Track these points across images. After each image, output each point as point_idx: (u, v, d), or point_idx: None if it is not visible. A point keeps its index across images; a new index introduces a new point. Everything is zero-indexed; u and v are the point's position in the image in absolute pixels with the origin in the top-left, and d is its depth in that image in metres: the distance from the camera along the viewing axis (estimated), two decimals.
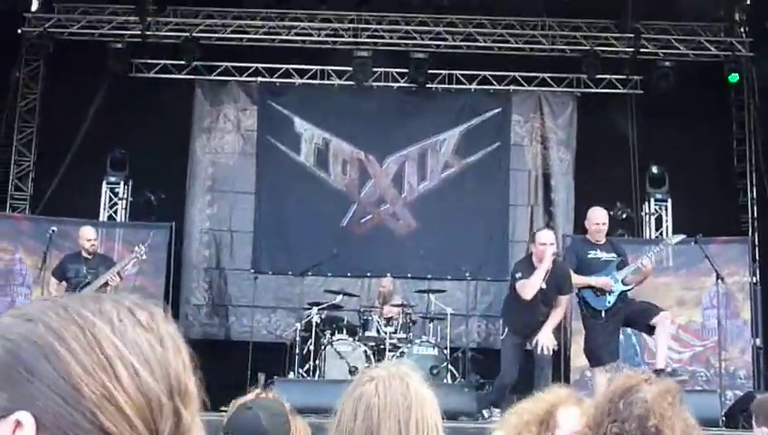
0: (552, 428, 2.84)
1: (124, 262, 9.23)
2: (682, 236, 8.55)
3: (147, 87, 12.31)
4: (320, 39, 12.63)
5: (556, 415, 2.85)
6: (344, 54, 12.46)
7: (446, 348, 9.90)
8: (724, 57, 12.31)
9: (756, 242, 12.03)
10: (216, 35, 12.50)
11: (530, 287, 7.80)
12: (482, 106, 12.67)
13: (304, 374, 9.78)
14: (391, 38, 12.58)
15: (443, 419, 2.05)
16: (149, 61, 12.53)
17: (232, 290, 12.31)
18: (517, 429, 2.80)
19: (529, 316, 8.00)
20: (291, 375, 9.82)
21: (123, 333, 0.88)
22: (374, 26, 12.59)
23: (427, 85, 12.55)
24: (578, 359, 9.88)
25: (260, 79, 12.62)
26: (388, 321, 10.05)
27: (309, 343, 9.93)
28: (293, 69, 12.63)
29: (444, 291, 10.86)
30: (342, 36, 12.62)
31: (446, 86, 12.72)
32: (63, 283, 9.01)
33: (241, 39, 12.56)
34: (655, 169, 12.12)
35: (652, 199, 12.26)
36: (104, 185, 12.21)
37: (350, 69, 12.40)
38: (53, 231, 9.21)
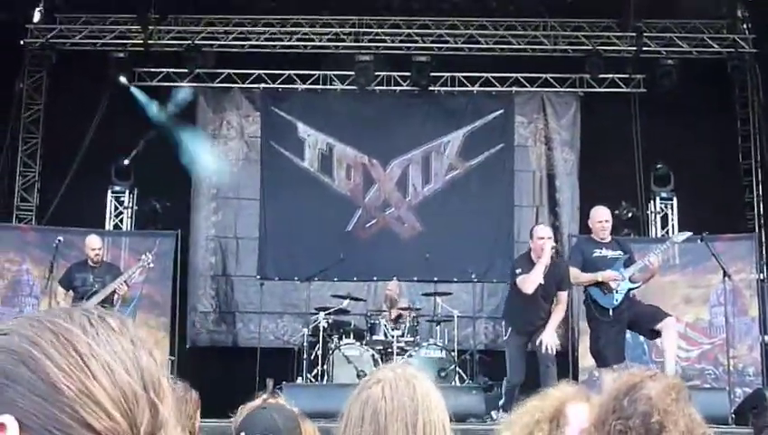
0: (563, 425, 2.83)
1: (131, 270, 9.25)
2: (688, 234, 8.54)
3: (149, 96, 12.34)
4: (321, 44, 12.65)
5: (565, 412, 2.85)
6: (346, 59, 12.47)
7: (453, 350, 9.90)
8: (726, 54, 12.30)
9: (763, 239, 12.02)
10: (218, 43, 12.53)
11: (530, 282, 7.87)
12: (485, 108, 12.67)
13: (312, 379, 9.78)
14: (393, 42, 12.60)
15: (451, 420, 2.04)
16: (152, 69, 12.56)
17: (239, 296, 12.32)
18: (528, 428, 2.79)
19: (531, 313, 8.03)
20: (299, 380, 9.82)
21: (95, 336, 0.91)
22: (375, 30, 12.61)
23: (430, 88, 12.56)
24: (585, 359, 9.87)
25: (262, 85, 12.65)
26: (396, 324, 10.05)
27: (317, 348, 9.93)
28: (296, 75, 12.66)
29: (450, 293, 10.86)
30: (344, 41, 12.64)
31: (449, 89, 12.73)
32: (71, 292, 9.03)
33: (243, 46, 12.58)
34: (659, 168, 12.11)
35: (657, 198, 12.24)
36: (109, 194, 12.23)
37: (353, 73, 12.41)
38: (60, 241, 9.24)
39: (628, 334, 8.71)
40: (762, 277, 11.17)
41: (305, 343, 10.09)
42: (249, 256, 12.43)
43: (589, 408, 2.72)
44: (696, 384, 10.27)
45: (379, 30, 12.61)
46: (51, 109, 12.55)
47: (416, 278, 11.83)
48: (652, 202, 12.29)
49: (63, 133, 12.27)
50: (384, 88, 12.72)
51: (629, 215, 11.94)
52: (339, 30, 12.61)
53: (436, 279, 11.03)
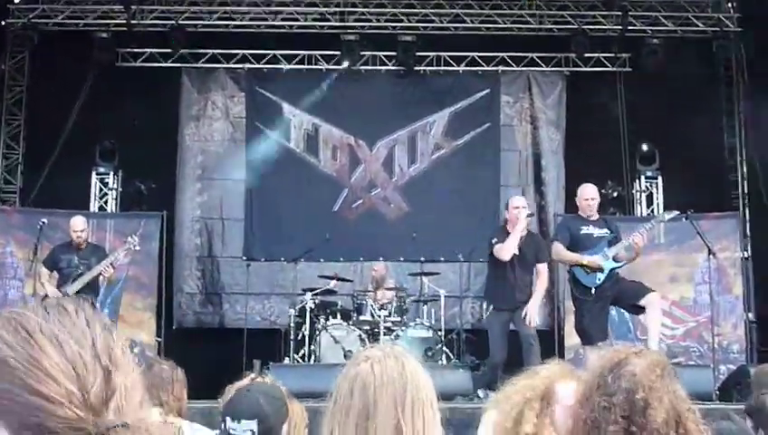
0: (553, 403, 2.85)
1: (117, 253, 9.19)
2: (675, 213, 8.54)
3: (134, 76, 12.25)
4: (306, 23, 12.58)
5: (555, 390, 2.87)
6: (331, 39, 12.41)
7: (440, 330, 9.93)
8: (712, 33, 12.30)
9: (747, 217, 12.08)
10: (202, 22, 12.44)
11: (506, 250, 8.00)
12: (471, 87, 12.66)
13: (300, 360, 9.80)
14: (378, 21, 12.54)
15: (438, 399, 2.05)
16: (136, 50, 12.47)
17: (225, 278, 12.31)
18: (518, 406, 2.80)
19: (510, 288, 8.11)
20: (286, 361, 9.83)
21: (46, 316, 1.00)
22: (361, 10, 12.54)
23: (416, 68, 12.53)
24: (571, 338, 9.91)
25: (247, 65, 12.58)
26: (382, 304, 10.07)
27: (303, 329, 9.94)
28: (281, 54, 12.59)
29: (437, 273, 10.88)
30: (329, 20, 12.57)
31: (435, 68, 12.71)
32: (55, 273, 8.98)
33: (227, 25, 12.50)
34: (645, 147, 12.14)
35: (643, 177, 12.29)
36: (94, 176, 12.17)
37: (338, 53, 12.36)
38: (44, 223, 9.16)
39: (614, 312, 8.75)
40: (746, 256, 11.24)
41: (292, 324, 10.09)
42: (235, 236, 12.41)
43: (577, 386, 2.73)
44: (681, 362, 10.35)
45: (365, 9, 12.54)
46: (34, 90, 12.44)
47: (402, 258, 11.85)
48: (637, 181, 12.33)
49: (47, 114, 12.17)
50: (370, 68, 12.67)
51: (615, 194, 11.98)
52: (324, 9, 12.54)
53: (422, 259, 11.04)
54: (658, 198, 12.17)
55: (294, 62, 12.64)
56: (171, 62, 12.44)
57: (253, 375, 3.23)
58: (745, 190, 12.44)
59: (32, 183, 12.10)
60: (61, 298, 1.06)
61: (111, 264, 8.92)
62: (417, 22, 12.52)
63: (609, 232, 8.09)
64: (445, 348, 9.78)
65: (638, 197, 12.35)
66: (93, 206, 12.07)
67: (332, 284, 10.53)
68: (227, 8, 12.46)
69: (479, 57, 12.61)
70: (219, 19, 12.46)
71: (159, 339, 10.94)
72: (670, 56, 11.89)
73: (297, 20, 12.56)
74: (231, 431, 2.73)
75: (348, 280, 10.97)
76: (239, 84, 12.68)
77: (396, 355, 2.03)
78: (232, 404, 2.83)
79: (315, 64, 12.70)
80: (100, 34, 12.04)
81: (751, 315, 11.08)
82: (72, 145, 11.79)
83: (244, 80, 12.65)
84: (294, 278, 11.25)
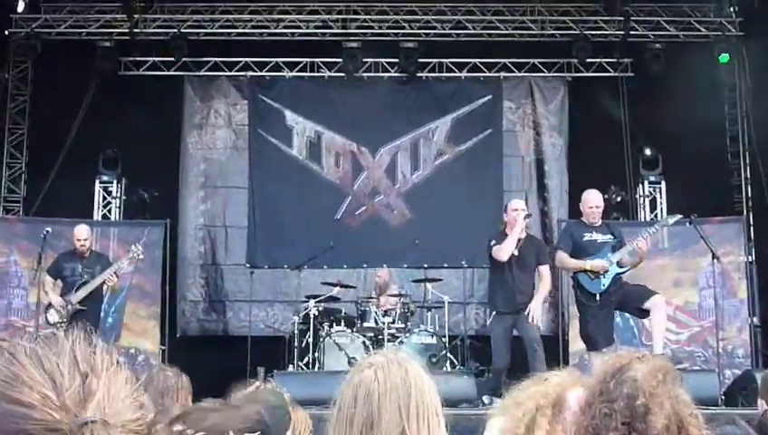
0: (565, 410, 2.83)
1: (120, 262, 9.22)
2: (678, 217, 8.52)
3: (136, 85, 12.28)
4: (308, 31, 12.60)
5: (567, 397, 2.85)
6: (334, 46, 12.43)
7: (444, 336, 9.91)
8: (714, 37, 12.31)
9: (751, 221, 12.06)
10: (204, 31, 12.47)
11: (504, 250, 8.03)
12: (473, 93, 12.66)
13: (303, 367, 9.78)
14: (380, 28, 12.55)
15: (443, 406, 2.04)
16: (138, 59, 12.49)
17: (228, 285, 12.31)
18: (531, 413, 2.77)
19: (512, 290, 8.09)
20: (290, 368, 9.82)
21: (31, 341, 1.10)
22: (363, 17, 12.56)
23: (418, 74, 12.53)
24: (575, 343, 9.89)
25: (249, 73, 12.59)
26: (386, 311, 10.06)
27: (307, 336, 9.93)
28: (283, 62, 12.60)
29: (440, 280, 10.86)
30: (331, 28, 12.59)
31: (437, 75, 12.71)
32: (59, 281, 8.99)
33: (229, 34, 12.52)
34: (648, 152, 12.12)
35: (646, 182, 12.27)
36: (97, 184, 12.18)
37: (340, 60, 12.37)
38: (48, 232, 9.17)
39: (619, 317, 8.73)
40: (750, 260, 11.22)
41: (296, 331, 10.09)
42: (238, 244, 12.42)
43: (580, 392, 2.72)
44: (686, 367, 10.31)
45: (367, 16, 12.56)
46: (37, 99, 12.46)
47: (405, 265, 11.84)
48: (641, 186, 12.31)
49: (50, 123, 12.19)
50: (372, 75, 12.68)
51: (618, 199, 11.96)
52: (326, 17, 12.56)
53: (425, 266, 11.03)
54: (662, 202, 12.15)
55: (297, 69, 12.65)
56: (174, 71, 12.46)
57: (257, 383, 3.23)
58: (749, 194, 12.42)
59: (35, 192, 12.11)
60: (55, 330, 1.11)
61: (115, 272, 8.94)
62: (419, 28, 12.54)
63: (612, 237, 8.06)
64: (449, 354, 9.77)
65: (642, 201, 12.33)
66: (97, 214, 12.08)
67: (336, 290, 10.52)
68: (229, 16, 12.49)
69: (481, 63, 12.62)
70: (221, 27, 12.48)
71: (164, 347, 10.94)
72: (672, 61, 11.88)
73: (299, 28, 12.58)
74: None
75: (351, 287, 10.96)
76: (242, 92, 12.70)
77: (399, 361, 2.02)
78: None
79: (317, 72, 12.71)
80: (102, 44, 12.07)
81: (756, 319, 11.05)
82: (75, 154, 11.80)
83: (247, 88, 12.67)
84: (298, 285, 11.24)
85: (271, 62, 12.57)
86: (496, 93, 12.67)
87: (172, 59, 12.30)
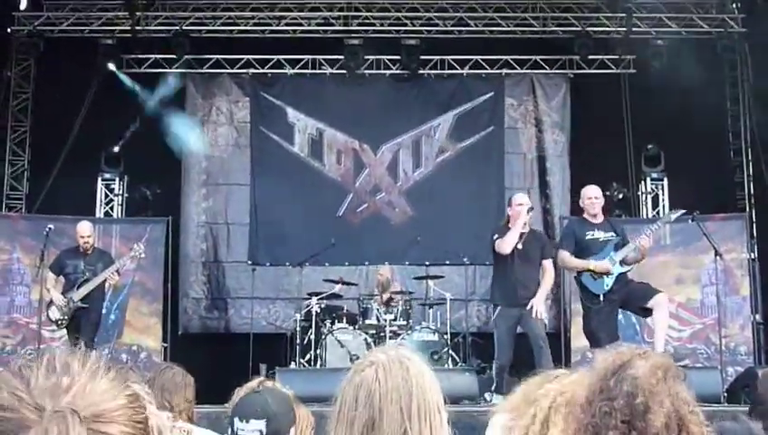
0: None
1: (122, 260, 9.23)
2: (681, 212, 8.48)
3: (138, 82, 12.28)
4: (310, 28, 12.60)
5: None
6: (335, 43, 12.42)
7: (446, 333, 9.90)
8: (716, 34, 12.29)
9: (753, 218, 12.05)
10: (206, 28, 12.46)
11: (506, 243, 8.01)
12: (474, 90, 12.66)
13: (305, 364, 9.78)
14: (382, 25, 12.55)
15: (445, 403, 2.04)
16: (140, 56, 12.49)
17: (230, 282, 12.32)
18: (544, 411, 2.74)
19: (516, 284, 8.04)
20: (292, 365, 9.82)
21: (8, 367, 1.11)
22: (364, 14, 12.55)
23: (419, 71, 12.53)
24: (577, 340, 9.90)
25: (251, 70, 12.59)
26: (388, 308, 10.06)
27: (309, 333, 9.93)
28: (285, 59, 12.60)
29: (442, 277, 10.86)
30: (333, 25, 12.58)
31: (439, 72, 12.70)
32: (61, 278, 9.00)
33: (231, 31, 12.52)
34: (650, 148, 12.11)
35: (648, 179, 12.26)
36: (99, 181, 12.20)
37: (342, 57, 12.37)
38: (50, 229, 9.17)
39: (621, 314, 8.70)
40: (752, 257, 11.21)
41: (298, 328, 10.09)
42: (240, 241, 12.42)
43: (581, 389, 2.70)
44: (688, 364, 10.30)
45: (368, 14, 12.55)
46: (39, 97, 12.47)
47: (407, 262, 11.85)
48: (643, 183, 12.31)
49: (52, 121, 12.19)
50: (373, 72, 12.68)
51: (620, 196, 11.96)
52: (327, 14, 12.55)
53: (427, 263, 11.01)
54: (664, 199, 12.14)
55: (298, 66, 12.65)
56: (175, 68, 12.45)
57: (261, 378, 3.23)
58: (751, 191, 12.41)
59: (38, 189, 12.12)
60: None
61: (117, 271, 8.96)
62: (421, 25, 12.53)
63: (614, 235, 8.03)
64: (451, 351, 9.76)
65: (644, 198, 12.32)
66: (99, 211, 12.09)
67: (338, 288, 10.52)
68: (231, 14, 12.48)
69: (483, 60, 12.61)
70: (223, 25, 12.48)
71: (166, 344, 10.96)
72: (675, 57, 11.86)
73: (301, 25, 12.58)
74: (239, 432, 2.72)
75: (353, 284, 10.96)
76: (243, 89, 12.70)
77: (401, 359, 2.00)
78: (240, 405, 2.82)
79: (319, 69, 12.71)
80: (104, 41, 12.08)
81: (758, 317, 11.05)
82: (77, 151, 11.80)
83: (249, 85, 12.66)
84: (299, 282, 11.25)
85: (272, 59, 12.57)
86: (498, 90, 12.66)
87: (174, 56, 12.30)
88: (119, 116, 11.85)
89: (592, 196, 8.14)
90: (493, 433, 2.85)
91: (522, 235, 8.10)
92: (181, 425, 3.76)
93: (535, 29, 12.50)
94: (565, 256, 8.04)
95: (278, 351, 10.43)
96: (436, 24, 12.53)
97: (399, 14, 12.53)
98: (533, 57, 12.57)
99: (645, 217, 11.93)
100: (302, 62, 12.64)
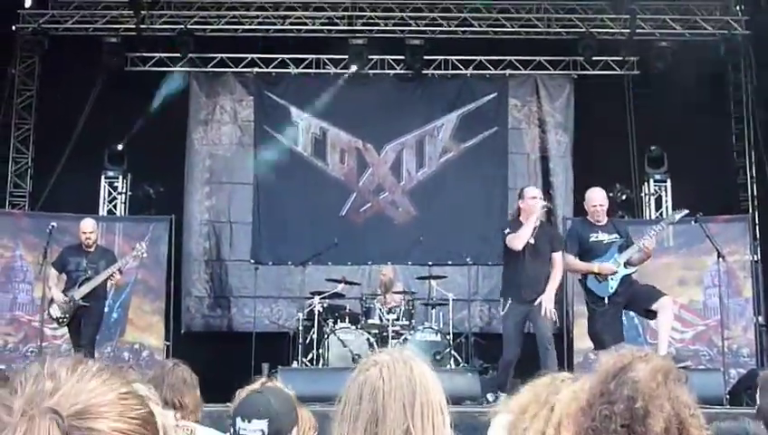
0: None
1: (125, 259, 9.22)
2: (684, 212, 8.40)
3: (143, 80, 12.30)
4: (315, 28, 12.60)
5: None
6: (340, 43, 12.43)
7: (448, 334, 9.90)
8: (720, 36, 12.28)
9: (756, 220, 12.03)
10: (211, 27, 12.48)
11: (519, 238, 7.87)
12: (478, 91, 12.66)
13: (308, 363, 9.78)
14: (386, 25, 12.56)
15: (447, 403, 2.05)
16: (145, 54, 12.51)
17: (233, 281, 12.32)
18: (558, 415, 2.71)
19: (527, 278, 7.93)
20: (294, 364, 9.83)
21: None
22: (369, 14, 12.56)
23: (423, 72, 12.53)
24: (580, 341, 9.89)
25: (256, 69, 12.60)
26: (391, 308, 10.06)
27: (312, 332, 9.93)
28: (289, 59, 12.61)
29: (445, 277, 10.84)
30: (337, 24, 12.59)
31: (443, 72, 12.70)
32: (63, 275, 9.00)
33: (235, 30, 12.53)
34: (653, 150, 12.10)
35: (651, 180, 12.26)
36: (103, 179, 12.22)
37: (346, 57, 12.37)
38: (53, 227, 9.18)
39: (624, 315, 8.69)
40: (755, 259, 11.19)
41: (300, 328, 10.09)
42: (243, 240, 12.43)
43: (581, 393, 2.69)
44: (690, 366, 10.29)
45: (373, 13, 12.56)
46: (43, 94, 12.49)
47: (410, 262, 11.86)
48: (646, 184, 12.30)
49: (56, 119, 12.22)
50: (377, 72, 12.68)
51: (623, 197, 11.95)
52: (332, 14, 12.56)
53: (430, 263, 11.01)
54: (667, 201, 12.14)
55: (302, 66, 12.65)
56: (180, 67, 12.47)
57: (263, 379, 3.24)
58: (755, 193, 12.40)
59: (41, 187, 12.14)
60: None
61: (119, 270, 8.95)
62: (425, 26, 12.53)
63: (618, 236, 8.00)
64: (453, 352, 9.76)
65: (647, 200, 12.31)
66: (102, 209, 12.10)
67: (340, 287, 10.53)
68: (236, 13, 12.49)
69: (487, 61, 12.61)
70: (228, 24, 12.49)
71: (168, 342, 10.96)
72: (678, 59, 11.85)
73: (305, 24, 12.59)
74: (241, 432, 2.73)
75: (356, 283, 10.97)
76: (247, 88, 12.71)
77: (405, 359, 2.02)
78: (242, 405, 2.83)
79: (323, 68, 12.72)
80: (109, 39, 12.08)
81: (761, 319, 11.03)
82: (81, 149, 11.83)
83: (253, 84, 12.67)
84: (302, 282, 11.26)
85: (277, 58, 12.58)
86: (502, 91, 12.67)
87: (178, 55, 12.31)
88: (122, 114, 11.86)
89: (597, 203, 8.05)
90: (495, 432, 2.85)
91: (534, 229, 7.99)
92: (184, 423, 3.76)
93: (539, 30, 12.50)
94: (570, 258, 8.00)
95: (280, 350, 10.43)
96: (441, 25, 12.53)
97: (404, 15, 12.53)
98: (537, 58, 12.57)
99: (648, 218, 11.92)
100: (306, 62, 12.64)
